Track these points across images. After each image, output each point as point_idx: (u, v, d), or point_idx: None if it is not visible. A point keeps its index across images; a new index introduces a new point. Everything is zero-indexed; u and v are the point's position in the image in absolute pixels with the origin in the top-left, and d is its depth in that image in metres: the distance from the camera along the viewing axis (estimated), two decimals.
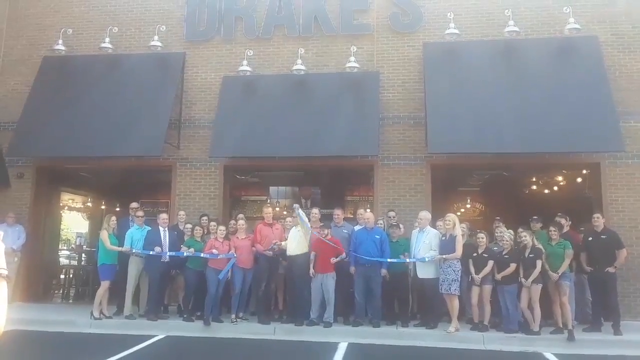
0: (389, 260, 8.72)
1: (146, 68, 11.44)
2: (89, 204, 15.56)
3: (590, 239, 8.55)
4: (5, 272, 2.16)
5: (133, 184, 13.30)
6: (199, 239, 9.26)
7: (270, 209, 9.74)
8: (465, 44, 10.50)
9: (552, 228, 8.48)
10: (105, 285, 9.15)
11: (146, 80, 11.28)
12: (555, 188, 12.78)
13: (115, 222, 9.48)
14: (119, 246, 9.22)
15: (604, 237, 8.47)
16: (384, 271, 8.74)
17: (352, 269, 8.79)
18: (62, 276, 12.18)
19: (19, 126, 11.03)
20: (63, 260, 12.77)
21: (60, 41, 11.42)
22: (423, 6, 10.95)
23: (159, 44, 11.17)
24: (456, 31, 10.27)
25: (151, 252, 9.00)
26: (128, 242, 9.24)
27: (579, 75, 9.92)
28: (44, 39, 11.73)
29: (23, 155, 11.16)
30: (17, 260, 10.07)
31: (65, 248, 13.25)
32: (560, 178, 12.43)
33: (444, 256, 8.36)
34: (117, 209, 13.51)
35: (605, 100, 9.57)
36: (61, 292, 11.73)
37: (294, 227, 9.04)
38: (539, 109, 9.68)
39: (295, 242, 8.88)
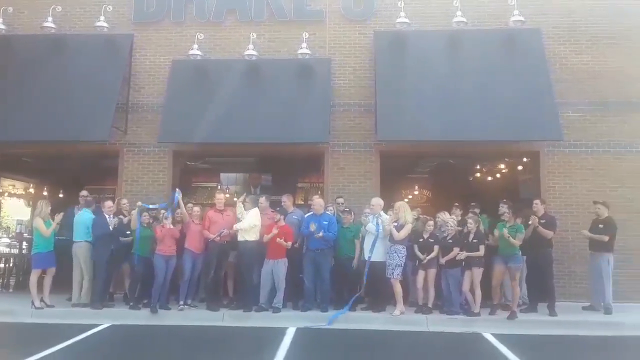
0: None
1: (92, 49, 11.06)
2: (31, 190, 14.98)
3: (529, 223, 8.92)
4: None
5: (78, 170, 12.89)
6: (146, 226, 9.12)
7: (222, 195, 9.69)
8: (415, 33, 10.66)
9: (505, 212, 8.76)
10: (37, 273, 8.93)
11: (92, 62, 10.92)
12: (498, 175, 13.25)
13: (49, 208, 9.21)
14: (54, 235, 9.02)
15: (543, 221, 8.85)
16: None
17: (320, 234, 8.79)
18: (1, 265, 11.71)
19: None
20: (3, 249, 12.26)
21: (0, 20, 10.91)
22: None
23: (105, 24, 10.85)
24: (406, 20, 10.41)
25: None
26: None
27: (522, 67, 10.26)
28: None
29: None
30: None
31: (5, 236, 12.72)
32: (502, 166, 12.88)
33: (390, 227, 8.54)
34: (61, 195, 13.09)
35: (545, 91, 9.97)
36: (0, 281, 11.30)
37: (246, 212, 9.01)
38: (483, 98, 9.99)
39: (252, 223, 8.86)
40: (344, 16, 11.09)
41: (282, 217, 9.00)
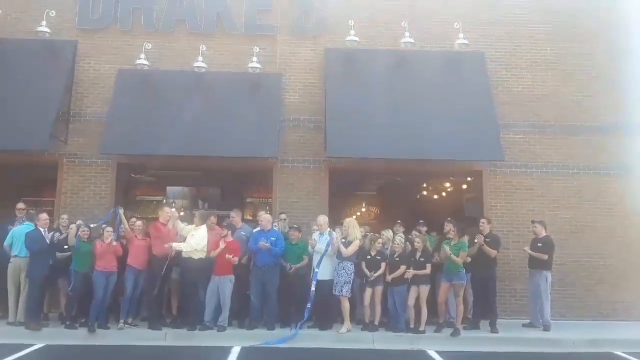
0: (294, 267, 8.93)
1: (33, 55, 10.63)
2: None
3: (475, 241, 9.14)
4: None
5: (14, 181, 12.24)
6: (85, 241, 8.75)
7: (170, 209, 9.38)
8: (365, 52, 10.82)
9: (450, 230, 8.92)
10: None
11: (33, 68, 10.50)
12: (444, 194, 13.58)
13: None
14: None
15: (488, 240, 9.10)
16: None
17: (267, 244, 8.70)
18: None
19: None
20: None
21: None
22: (325, 11, 11.13)
23: (47, 30, 10.39)
24: (356, 38, 10.55)
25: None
26: (9, 240, 8.69)
27: (466, 88, 10.59)
28: None
29: None
30: None
31: None
32: (448, 184, 13.21)
33: (338, 244, 8.55)
34: None
35: (487, 112, 10.33)
36: None
37: (192, 228, 8.83)
38: (428, 118, 10.24)
39: (197, 245, 8.68)
40: (295, 32, 11.13)
41: (229, 232, 8.87)
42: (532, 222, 9.56)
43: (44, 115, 9.96)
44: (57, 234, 8.85)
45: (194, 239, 8.72)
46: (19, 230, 8.80)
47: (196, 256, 8.66)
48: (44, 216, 8.84)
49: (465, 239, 8.95)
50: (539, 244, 9.28)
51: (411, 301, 8.66)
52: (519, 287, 10.15)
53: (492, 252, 9.03)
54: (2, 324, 8.60)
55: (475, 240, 9.01)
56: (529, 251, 9.33)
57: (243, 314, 8.90)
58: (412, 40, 10.47)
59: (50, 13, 10.60)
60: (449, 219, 9.23)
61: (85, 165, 10.47)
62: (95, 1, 11.02)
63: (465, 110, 10.26)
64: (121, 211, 8.97)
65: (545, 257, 9.17)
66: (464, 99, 10.43)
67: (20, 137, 9.76)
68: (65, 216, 9.47)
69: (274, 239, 8.90)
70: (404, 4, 11.10)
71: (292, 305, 9.00)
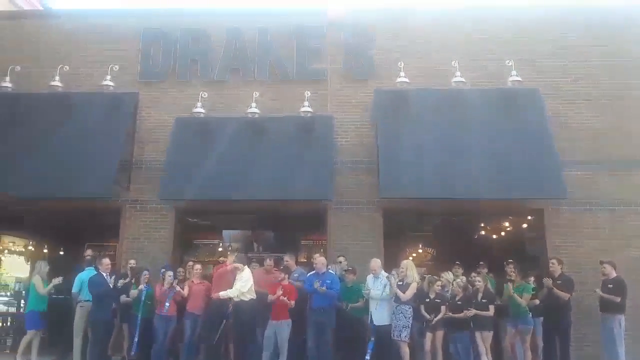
0: (350, 306, 8.84)
1: (98, 107, 11.19)
2: (31, 248, 14.83)
3: (544, 284, 8.74)
4: None
5: (79, 227, 12.79)
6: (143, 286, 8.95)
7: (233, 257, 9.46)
8: (415, 92, 10.82)
9: (511, 271, 8.58)
10: (30, 334, 8.83)
11: (97, 120, 11.02)
12: (503, 233, 13.15)
13: (48, 268, 9.28)
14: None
15: (559, 282, 8.68)
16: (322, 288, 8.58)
17: (323, 288, 8.59)
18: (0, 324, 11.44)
19: None
20: (1, 307, 11.99)
21: (8, 78, 11.10)
22: (375, 55, 11.27)
23: (111, 83, 11.00)
24: (406, 80, 10.59)
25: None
26: (77, 287, 8.98)
27: (523, 125, 10.37)
28: None
29: None
30: None
31: (3, 294, 12.48)
32: (507, 223, 12.79)
33: (395, 288, 8.34)
34: (61, 253, 12.94)
35: (547, 148, 10.03)
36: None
37: (239, 272, 8.85)
38: (485, 156, 10.03)
39: (243, 288, 8.69)
40: (345, 75, 11.31)
41: (285, 276, 8.86)
42: (601, 262, 9.06)
43: (107, 164, 10.38)
44: (122, 280, 9.09)
45: (240, 283, 8.71)
46: (85, 276, 9.11)
47: (246, 298, 8.66)
48: (106, 261, 9.14)
49: (530, 280, 8.57)
50: (610, 286, 8.76)
51: (482, 349, 8.27)
52: (589, 332, 9.53)
53: (565, 296, 8.58)
54: None
55: (544, 283, 8.60)
56: (601, 293, 8.80)
57: (300, 358, 8.77)
58: (464, 80, 10.42)
59: (114, 68, 11.21)
60: (510, 260, 8.91)
61: (146, 211, 10.79)
62: (155, 55, 11.59)
63: (522, 147, 10.01)
64: (170, 274, 9.00)
65: (618, 299, 8.63)
66: (520, 136, 10.20)
67: (86, 185, 10.14)
68: (133, 261, 9.74)
69: (329, 281, 8.82)
70: (454, 43, 11.12)
71: (349, 349, 8.80)
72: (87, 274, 9.11)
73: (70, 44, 11.71)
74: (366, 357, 8.33)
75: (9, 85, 11.07)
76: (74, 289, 9.05)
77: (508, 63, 10.52)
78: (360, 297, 8.90)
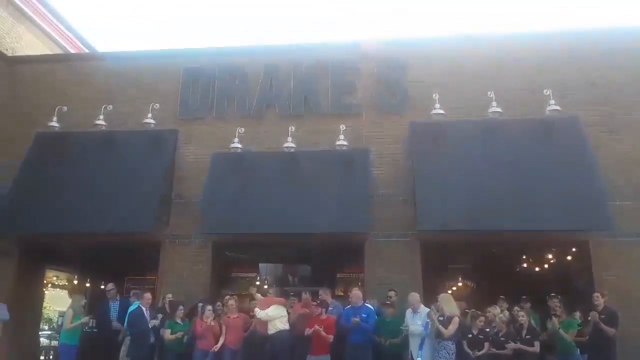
0: (389, 341, 8.72)
1: (139, 145, 11.55)
2: (75, 282, 15.21)
3: (589, 319, 8.40)
4: None
5: (120, 261, 13.06)
6: (179, 321, 9.00)
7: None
8: (451, 123, 10.75)
9: (555, 306, 8.27)
10: None
11: (138, 156, 11.37)
12: (546, 266, 12.74)
13: (84, 302, 9.76)
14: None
15: (603, 317, 8.33)
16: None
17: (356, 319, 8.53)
18: (42, 358, 11.68)
19: (5, 201, 10.92)
20: (44, 341, 12.27)
21: (55, 118, 11.59)
22: (408, 86, 11.30)
23: (152, 121, 11.36)
24: (442, 111, 10.55)
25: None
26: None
27: (563, 154, 10.12)
28: (39, 116, 11.83)
29: (7, 232, 10.97)
30: None
31: (46, 328, 12.78)
32: (550, 256, 12.40)
33: (437, 324, 8.14)
34: (102, 287, 13.16)
35: (591, 179, 9.72)
36: None
37: (273, 306, 8.81)
38: (524, 186, 9.81)
39: (277, 320, 8.68)
40: (379, 108, 11.36)
41: (323, 310, 8.79)
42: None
43: (148, 199, 10.64)
44: (160, 315, 9.19)
45: (269, 310, 8.73)
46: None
47: (282, 326, 8.64)
48: (147, 295, 9.27)
49: (577, 315, 8.24)
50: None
51: None
52: None
53: (610, 331, 8.20)
54: None
55: (589, 318, 8.26)
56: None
57: None
58: (500, 110, 10.30)
59: (154, 106, 11.59)
60: (552, 294, 8.60)
61: (185, 245, 10.94)
62: (194, 92, 11.94)
63: (564, 178, 9.74)
64: (209, 307, 9.14)
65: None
66: (561, 166, 9.94)
67: (128, 220, 10.38)
68: (169, 295, 9.85)
69: (364, 315, 8.69)
70: (490, 74, 11.02)
71: None
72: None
73: (114, 84, 12.19)
74: None
75: (56, 124, 11.56)
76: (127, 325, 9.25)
77: (546, 92, 10.37)
78: (399, 333, 8.72)
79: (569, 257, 11.49)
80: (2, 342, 10.03)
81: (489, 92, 10.55)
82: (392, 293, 9.54)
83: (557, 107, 10.14)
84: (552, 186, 9.71)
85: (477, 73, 11.12)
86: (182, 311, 9.12)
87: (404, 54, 11.53)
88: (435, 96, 10.73)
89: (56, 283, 14.84)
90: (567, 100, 10.50)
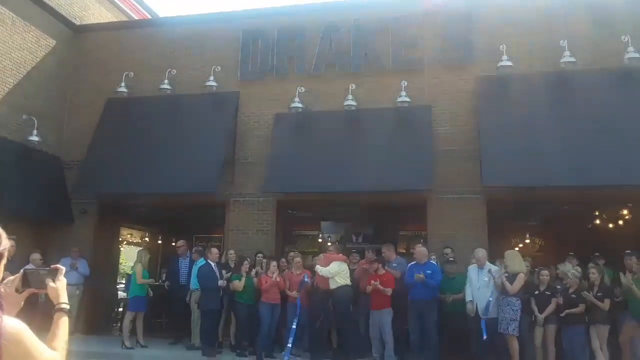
0: (452, 297, 8.71)
1: (203, 107, 11.82)
2: (147, 239, 16.07)
3: None
4: (67, 307, 2.18)
5: (188, 220, 13.63)
6: (244, 275, 9.32)
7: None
8: (519, 77, 10.30)
9: (633, 263, 7.94)
10: (130, 315, 9.86)
11: (203, 118, 11.64)
12: (620, 222, 12.15)
13: (148, 257, 10.44)
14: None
15: None
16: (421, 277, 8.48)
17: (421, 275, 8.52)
18: (120, 309, 12.51)
19: (83, 165, 11.58)
20: (121, 294, 13.11)
21: (123, 84, 12.01)
22: (474, 39, 10.87)
23: (214, 83, 11.56)
24: (509, 63, 10.11)
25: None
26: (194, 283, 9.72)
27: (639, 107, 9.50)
28: (107, 82, 12.30)
29: (87, 193, 11.66)
30: (79, 293, 10.41)
31: (123, 282, 13.63)
32: (625, 212, 11.80)
33: (503, 279, 8.02)
34: (173, 244, 13.86)
35: None
36: (119, 325, 11.99)
37: (334, 262, 8.93)
38: (596, 141, 9.33)
39: (338, 276, 8.81)
40: (442, 63, 10.99)
41: (380, 265, 8.84)
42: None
43: (213, 160, 10.92)
44: (224, 271, 9.56)
45: (331, 267, 8.86)
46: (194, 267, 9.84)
47: (342, 281, 8.78)
48: (214, 250, 9.61)
49: None
50: None
51: (595, 344, 7.73)
52: None
53: None
54: (164, 347, 9.82)
55: None
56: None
57: (403, 348, 8.72)
58: (574, 59, 9.74)
59: (216, 69, 11.77)
60: (629, 251, 8.23)
61: (249, 204, 11.22)
62: (254, 55, 11.97)
63: None
64: (274, 263, 9.41)
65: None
66: (638, 119, 9.37)
67: (194, 181, 10.73)
68: (232, 251, 10.21)
69: (429, 272, 8.67)
70: (560, 21, 10.38)
71: (451, 341, 8.64)
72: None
73: (176, 49, 12.42)
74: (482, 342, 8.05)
75: (125, 90, 11.98)
76: (192, 286, 9.80)
77: (624, 39, 9.68)
78: (462, 289, 8.66)
79: None
80: (84, 295, 10.73)
81: (561, 41, 9.97)
82: (448, 250, 9.48)
83: (637, 54, 9.47)
84: (627, 140, 9.16)
85: (547, 22, 10.50)
86: (248, 265, 9.42)
87: (469, 6, 11.05)
88: (503, 47, 10.27)
89: (130, 240, 15.72)
90: None
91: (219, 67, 11.81)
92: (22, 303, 2.14)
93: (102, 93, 12.35)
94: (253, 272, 9.48)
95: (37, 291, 2.19)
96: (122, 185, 11.20)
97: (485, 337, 7.99)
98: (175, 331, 10.37)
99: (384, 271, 8.81)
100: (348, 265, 9.13)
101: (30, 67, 11.74)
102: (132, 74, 12.25)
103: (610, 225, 12.52)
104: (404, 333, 8.72)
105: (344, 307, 8.78)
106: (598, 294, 7.88)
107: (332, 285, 8.80)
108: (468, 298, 8.38)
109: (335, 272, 8.78)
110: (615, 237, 11.81)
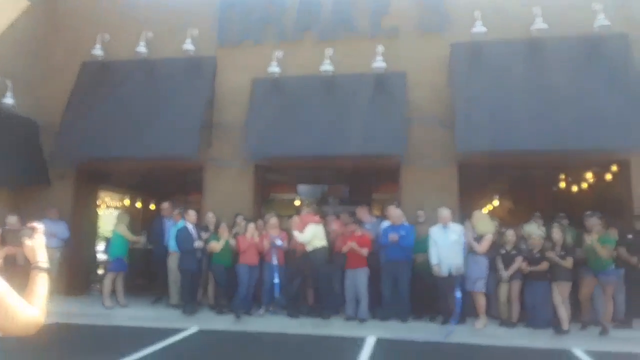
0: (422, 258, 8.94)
1: (179, 71, 11.74)
2: (126, 202, 16.15)
3: (630, 236, 8.50)
4: (46, 266, 2.18)
5: (165, 183, 13.72)
6: (221, 237, 9.54)
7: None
8: (492, 44, 10.50)
9: (595, 224, 8.38)
10: (111, 276, 10.09)
11: (180, 83, 11.58)
12: (584, 185, 12.67)
13: (128, 218, 10.65)
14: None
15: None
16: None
17: (395, 237, 8.89)
18: (99, 271, 12.68)
19: (60, 130, 11.47)
20: (100, 256, 13.26)
21: (98, 46, 11.86)
22: (449, 6, 11.01)
23: (191, 47, 11.49)
24: (483, 29, 10.28)
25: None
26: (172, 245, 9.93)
27: (608, 73, 9.80)
28: (82, 45, 12.09)
29: (65, 159, 11.60)
30: (59, 255, 10.53)
31: (102, 244, 13.76)
32: (589, 175, 12.29)
33: (470, 240, 8.39)
34: (152, 207, 14.00)
35: (635, 98, 9.47)
36: (99, 286, 12.18)
37: (309, 225, 9.20)
38: (566, 106, 9.62)
39: (313, 237, 9.10)
40: (417, 29, 11.12)
41: (356, 227, 9.15)
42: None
43: (191, 125, 10.95)
44: (203, 232, 9.77)
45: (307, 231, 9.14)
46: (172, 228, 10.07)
47: (319, 244, 9.07)
48: (192, 212, 9.83)
49: (613, 232, 8.32)
50: None
51: (557, 299, 8.19)
52: None
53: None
54: (145, 307, 10.12)
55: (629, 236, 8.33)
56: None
57: (375, 304, 9.12)
58: (546, 26, 9.96)
59: (193, 32, 11.68)
60: (589, 212, 8.66)
61: (227, 168, 11.35)
62: (232, 19, 11.89)
63: (608, 97, 9.48)
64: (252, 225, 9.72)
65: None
66: (605, 85, 9.65)
67: (171, 146, 10.77)
68: (211, 214, 10.40)
69: (404, 233, 9.00)
70: None
71: (423, 299, 9.05)
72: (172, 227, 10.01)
73: (153, 11, 12.27)
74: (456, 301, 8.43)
75: (100, 53, 11.84)
76: (170, 248, 10.03)
77: (594, 7, 9.91)
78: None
79: (608, 177, 11.35)
80: (64, 258, 10.85)
81: (533, 8, 10.17)
82: (420, 212, 9.80)
83: (606, 22, 9.72)
84: (594, 105, 9.49)
85: None
86: (225, 227, 9.63)
87: None
88: (477, 15, 10.42)
89: (109, 204, 15.78)
90: (617, 17, 10.02)
91: (196, 31, 11.71)
92: (1, 261, 2.15)
93: (78, 56, 12.13)
94: (232, 233, 9.69)
95: (14, 250, 2.19)
96: (100, 150, 11.16)
97: (459, 295, 8.37)
98: (160, 290, 10.57)
99: (360, 232, 9.11)
100: (324, 226, 9.41)
101: (4, 29, 11.50)
102: (107, 36, 12.08)
103: (575, 188, 13.03)
104: (377, 291, 9.09)
105: (320, 267, 9.10)
106: (561, 253, 8.31)
107: (309, 248, 9.09)
108: (434, 261, 8.66)
109: (311, 237, 9.05)
110: (579, 199, 12.32)
